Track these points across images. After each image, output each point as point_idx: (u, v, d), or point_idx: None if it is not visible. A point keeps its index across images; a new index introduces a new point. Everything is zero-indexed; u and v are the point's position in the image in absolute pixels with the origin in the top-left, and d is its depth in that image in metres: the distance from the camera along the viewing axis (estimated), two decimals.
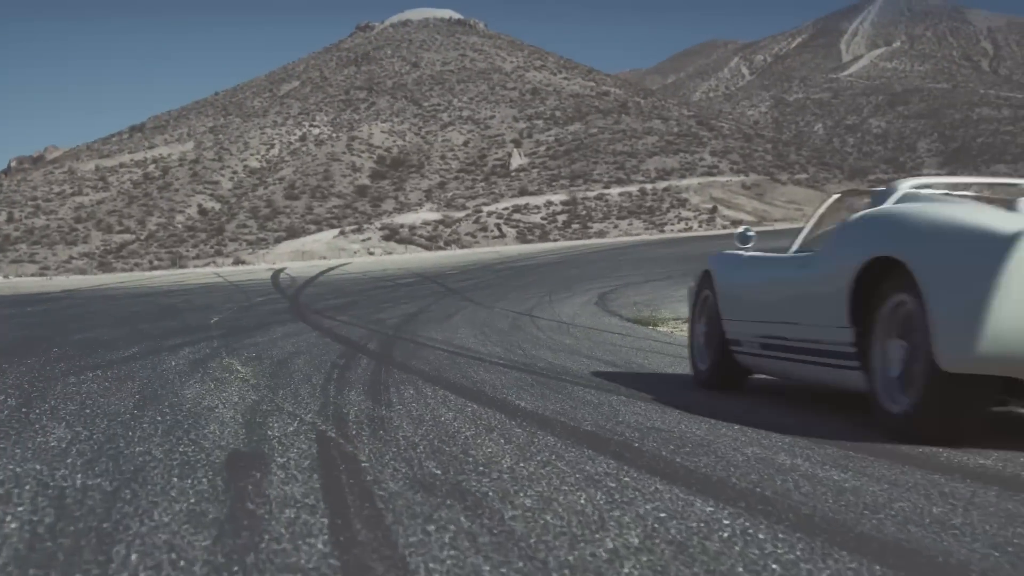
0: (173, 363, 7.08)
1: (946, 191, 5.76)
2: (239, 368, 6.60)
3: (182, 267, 50.24)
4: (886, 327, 4.28)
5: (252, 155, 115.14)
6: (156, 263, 72.27)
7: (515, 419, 4.28)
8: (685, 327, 13.40)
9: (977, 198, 5.84)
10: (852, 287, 4.39)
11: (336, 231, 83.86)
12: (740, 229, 6.94)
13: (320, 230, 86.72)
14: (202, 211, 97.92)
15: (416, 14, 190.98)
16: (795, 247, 6.19)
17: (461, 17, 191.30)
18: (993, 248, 3.65)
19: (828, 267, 4.92)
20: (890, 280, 4.20)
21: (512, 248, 48.29)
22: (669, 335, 12.00)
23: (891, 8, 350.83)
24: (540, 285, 22.40)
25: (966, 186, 6.18)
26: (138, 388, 5.38)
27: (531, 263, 32.66)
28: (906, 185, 5.61)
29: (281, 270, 31.07)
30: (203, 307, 16.76)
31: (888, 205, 5.21)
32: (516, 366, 7.47)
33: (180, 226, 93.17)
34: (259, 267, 35.22)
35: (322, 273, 28.75)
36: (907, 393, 4.06)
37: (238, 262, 54.76)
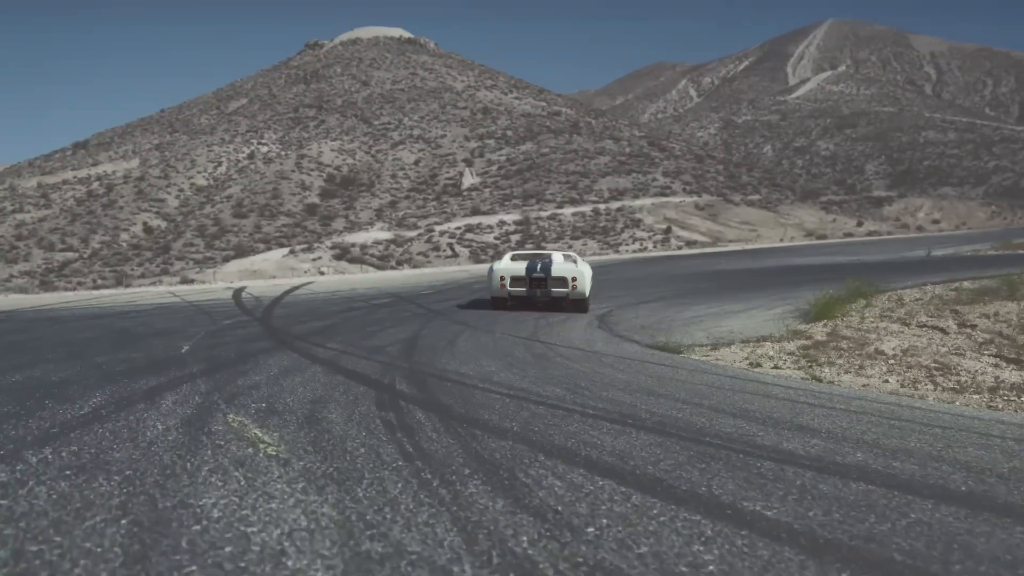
0: (159, 426, 5.88)
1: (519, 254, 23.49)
2: (259, 435, 5.48)
3: (127, 286, 48.50)
4: None
5: (199, 173, 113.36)
6: (100, 282, 70.30)
7: (795, 550, 3.28)
8: (715, 354, 12.49)
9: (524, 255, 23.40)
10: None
11: (286, 250, 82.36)
12: None
13: (269, 249, 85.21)
14: (147, 229, 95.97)
15: (366, 32, 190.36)
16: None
17: (411, 36, 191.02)
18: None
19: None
20: None
21: (483, 267, 47.01)
22: (719, 364, 11.37)
23: (836, 32, 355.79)
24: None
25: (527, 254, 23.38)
26: (119, 498, 3.96)
27: None
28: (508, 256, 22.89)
29: (242, 289, 29.56)
30: (165, 332, 15.28)
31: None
32: (622, 419, 6.59)
33: (125, 244, 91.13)
34: (216, 286, 33.48)
35: (287, 293, 27.31)
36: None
37: (185, 281, 53.13)
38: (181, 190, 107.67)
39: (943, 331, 15.88)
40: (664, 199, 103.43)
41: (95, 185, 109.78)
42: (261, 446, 5.21)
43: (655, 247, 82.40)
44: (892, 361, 12.24)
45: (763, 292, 24.77)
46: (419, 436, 5.55)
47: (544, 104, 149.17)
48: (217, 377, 8.95)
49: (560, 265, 21.79)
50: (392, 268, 65.66)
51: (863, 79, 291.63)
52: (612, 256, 63.36)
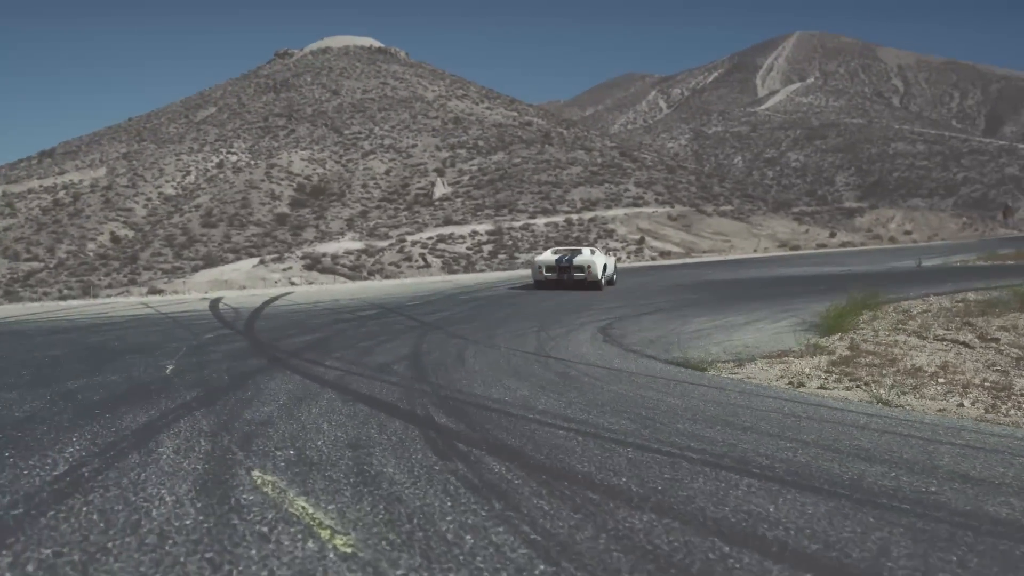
0: (166, 498, 4.84)
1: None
2: (308, 510, 4.60)
3: (94, 296, 47.24)
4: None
5: (167, 182, 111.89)
6: (66, 292, 68.86)
7: None
8: (743, 371, 11.55)
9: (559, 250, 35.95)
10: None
11: (256, 260, 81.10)
12: None
13: (239, 259, 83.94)
14: (115, 239, 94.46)
15: (336, 42, 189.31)
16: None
17: (382, 45, 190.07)
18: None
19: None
20: None
21: (467, 277, 46.10)
22: (760, 384, 10.79)
23: (804, 45, 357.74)
24: (521, 318, 20.52)
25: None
26: None
27: (494, 292, 30.73)
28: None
29: (219, 299, 28.29)
30: (143, 347, 14.26)
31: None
32: (742, 467, 6.01)
33: (92, 254, 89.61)
34: (191, 296, 32.11)
35: (267, 304, 26.10)
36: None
37: (154, 291, 51.89)
38: (149, 199, 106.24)
39: (967, 345, 15.08)
40: (637, 209, 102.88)
41: (61, 194, 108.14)
42: (322, 533, 4.15)
43: (629, 257, 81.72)
44: (941, 380, 11.37)
45: (762, 303, 23.94)
46: (524, 505, 4.63)
47: (515, 114, 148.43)
48: (218, 408, 8.10)
49: (580, 257, 33.54)
50: (364, 278, 64.53)
51: (832, 91, 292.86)
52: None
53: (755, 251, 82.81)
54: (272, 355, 12.90)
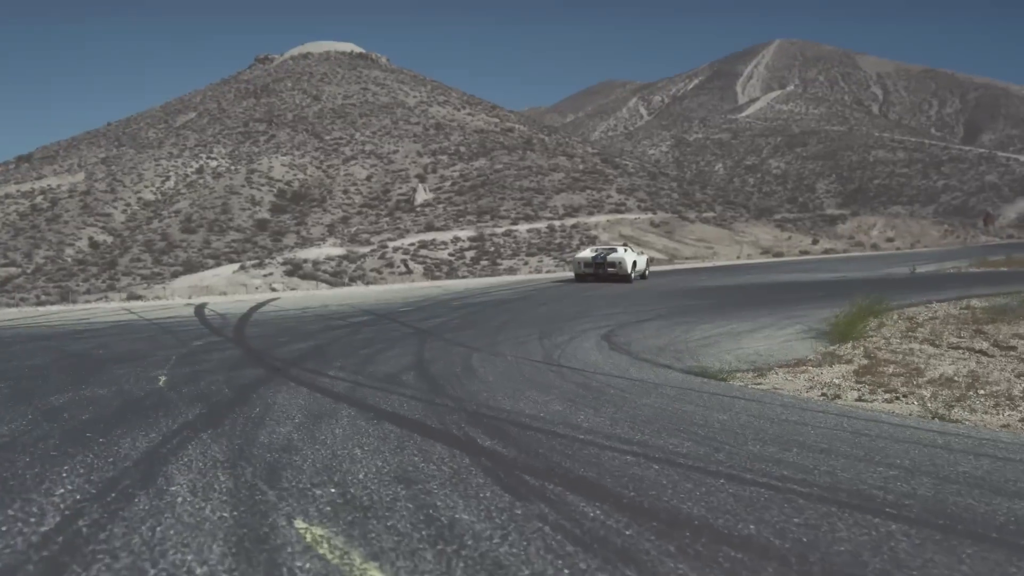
0: (195, 569, 3.96)
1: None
2: None
3: (73, 302, 46.45)
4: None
5: (146, 187, 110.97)
6: (44, 298, 68.02)
7: None
8: (765, 381, 10.97)
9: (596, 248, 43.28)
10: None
11: (236, 266, 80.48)
12: None
13: (219, 264, 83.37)
14: (93, 244, 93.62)
15: (316, 47, 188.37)
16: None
17: (363, 51, 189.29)
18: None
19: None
20: None
21: (457, 283, 45.39)
22: (797, 396, 10.27)
23: (784, 53, 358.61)
24: (519, 325, 20.00)
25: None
26: None
27: (485, 298, 30.03)
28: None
29: (203, 305, 27.51)
30: (130, 356, 13.49)
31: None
32: (872, 506, 5.33)
33: (70, 259, 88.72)
34: (175, 301, 31.23)
35: (254, 309, 25.33)
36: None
37: (133, 297, 51.17)
38: (128, 204, 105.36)
39: (984, 354, 14.60)
40: (619, 216, 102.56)
41: (39, 199, 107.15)
42: None
43: None
44: (981, 392, 10.83)
45: (762, 310, 23.41)
46: (662, 573, 3.85)
47: (497, 120, 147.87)
48: (227, 429, 7.42)
49: (613, 255, 40.23)
50: (345, 284, 63.96)
51: (812, 99, 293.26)
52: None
53: (738, 258, 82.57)
54: (270, 364, 12.29)
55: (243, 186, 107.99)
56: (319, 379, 10.92)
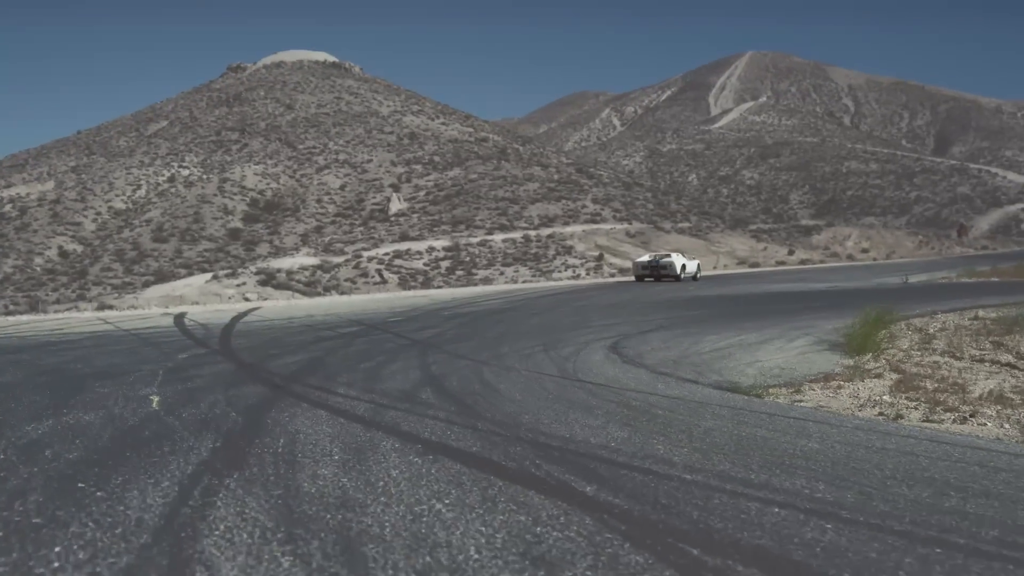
0: None
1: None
2: None
3: (43, 312, 45.47)
4: None
5: (117, 196, 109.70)
6: (12, 307, 66.86)
7: None
8: (803, 398, 10.20)
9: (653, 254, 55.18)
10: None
11: (209, 275, 79.40)
12: None
13: (191, 274, 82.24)
14: (63, 253, 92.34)
15: (289, 56, 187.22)
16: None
17: (336, 60, 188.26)
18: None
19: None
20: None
21: (443, 292, 44.53)
22: (859, 417, 9.42)
23: (756, 64, 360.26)
24: (518, 336, 19.23)
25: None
26: None
27: (474, 308, 29.24)
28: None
29: (183, 315, 26.46)
30: (113, 372, 12.44)
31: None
32: None
33: (39, 269, 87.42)
34: (152, 311, 29.98)
35: (236, 319, 24.36)
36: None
37: (103, 307, 50.12)
38: (99, 213, 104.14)
39: (1014, 367, 13.94)
40: (595, 226, 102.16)
41: (7, 208, 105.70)
42: None
43: (588, 274, 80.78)
44: None
45: (765, 320, 22.74)
46: None
47: (471, 130, 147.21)
48: (257, 472, 6.35)
49: (665, 259, 49.91)
50: (319, 294, 63.09)
51: (784, 110, 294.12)
52: (568, 282, 60.83)
53: (715, 268, 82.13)
54: (268, 380, 11.44)
55: (215, 195, 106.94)
56: (331, 398, 10.06)
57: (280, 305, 32.90)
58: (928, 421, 9.32)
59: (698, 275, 53.89)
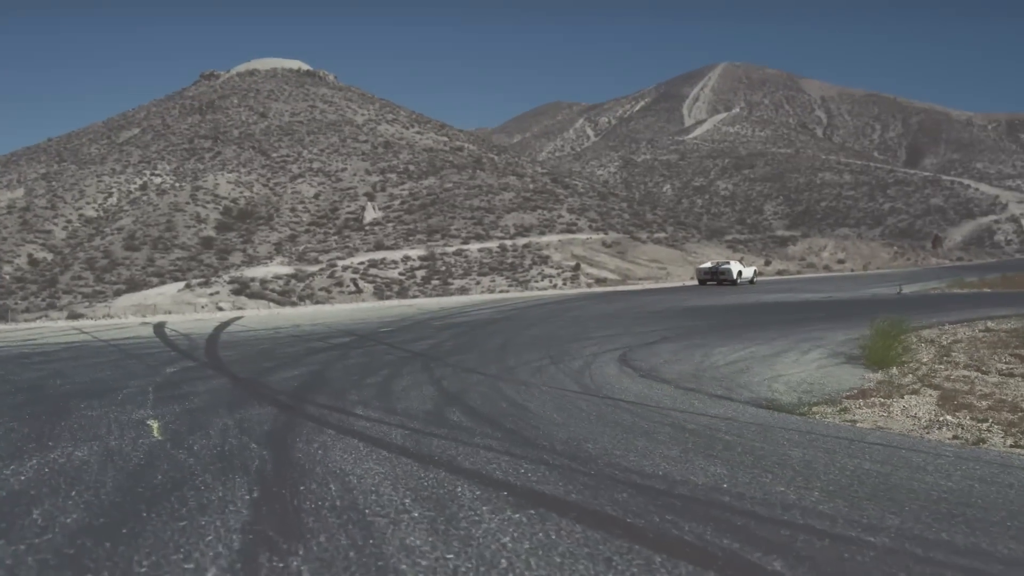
0: None
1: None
2: None
3: (14, 321, 44.34)
4: None
5: (88, 204, 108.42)
6: None
7: None
8: (851, 417, 9.55)
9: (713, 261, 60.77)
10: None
11: (182, 284, 78.37)
12: None
13: (163, 283, 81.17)
14: (33, 261, 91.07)
15: (263, 64, 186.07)
16: None
17: (310, 68, 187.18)
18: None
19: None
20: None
21: (428, 301, 43.60)
22: (938, 442, 8.77)
23: (729, 75, 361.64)
24: (520, 347, 18.52)
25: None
26: None
27: (465, 319, 28.41)
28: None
29: (162, 324, 25.43)
30: (98, 389, 11.30)
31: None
32: None
33: (8, 277, 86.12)
34: (129, 320, 28.72)
35: (220, 329, 23.33)
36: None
37: (73, 315, 49.07)
38: (69, 221, 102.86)
39: None
40: (571, 236, 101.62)
41: None
42: None
43: (565, 284, 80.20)
44: None
45: (770, 331, 22.07)
46: None
47: (446, 139, 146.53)
48: (326, 544, 5.10)
49: (724, 266, 55.66)
50: (294, 304, 62.12)
51: (757, 121, 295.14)
52: (554, 292, 59.73)
53: (692, 278, 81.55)
54: (272, 399, 10.51)
55: (188, 203, 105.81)
56: (353, 422, 9.18)
57: (262, 315, 31.92)
58: (1017, 447, 8.50)
59: (754, 279, 61.69)
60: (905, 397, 11.49)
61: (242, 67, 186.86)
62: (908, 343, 17.70)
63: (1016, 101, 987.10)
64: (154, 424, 8.97)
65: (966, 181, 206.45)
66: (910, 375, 13.71)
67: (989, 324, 22.10)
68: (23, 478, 6.60)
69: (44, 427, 8.81)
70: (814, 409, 10.52)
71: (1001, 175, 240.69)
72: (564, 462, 7.47)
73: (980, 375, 13.78)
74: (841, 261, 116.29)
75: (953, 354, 16.38)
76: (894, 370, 14.25)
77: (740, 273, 57.46)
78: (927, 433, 9.18)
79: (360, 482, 6.66)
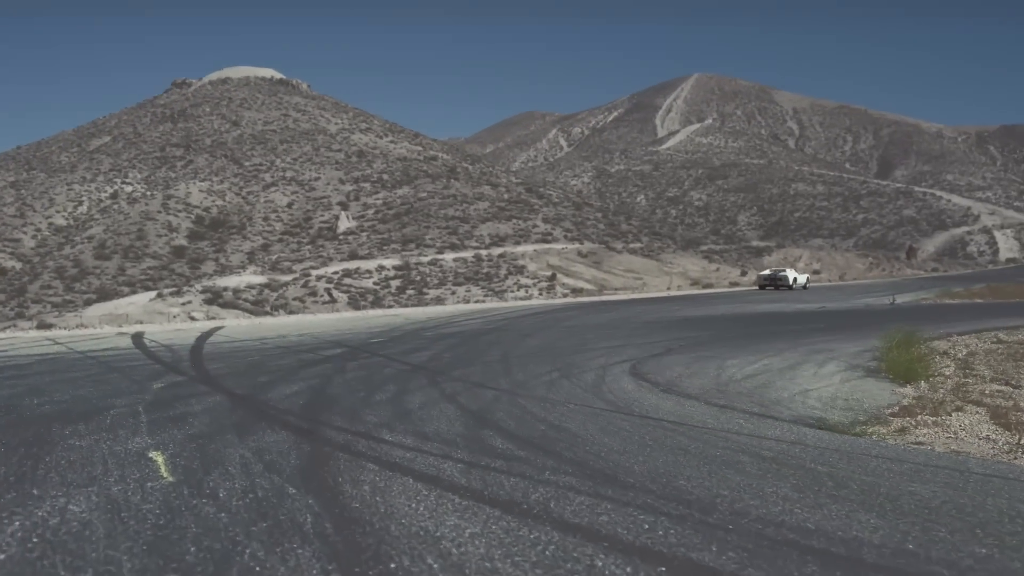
0: None
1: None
2: None
3: None
4: None
5: (58, 212, 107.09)
6: None
7: None
8: (911, 439, 8.81)
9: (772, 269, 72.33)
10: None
11: (153, 293, 77.27)
12: None
13: (135, 292, 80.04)
14: (1, 271, 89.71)
15: (236, 72, 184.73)
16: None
17: (283, 77, 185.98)
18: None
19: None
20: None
21: (415, 311, 42.56)
22: None
23: (702, 87, 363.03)
24: (525, 359, 17.66)
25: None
26: None
27: (456, 329, 27.49)
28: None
29: (141, 334, 24.30)
30: (83, 411, 10.02)
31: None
32: None
33: None
34: (104, 330, 27.30)
35: (202, 340, 22.20)
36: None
37: (42, 325, 48.03)
38: (39, 230, 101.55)
39: None
40: (546, 246, 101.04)
41: None
42: None
43: (541, 294, 79.48)
44: None
45: (777, 343, 21.38)
46: None
47: (420, 148, 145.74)
48: None
49: (780, 273, 65.84)
50: (267, 313, 61.18)
51: (730, 132, 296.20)
52: (540, 302, 58.58)
53: (668, 288, 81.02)
54: (281, 419, 9.32)
55: (159, 212, 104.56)
56: (390, 451, 8.10)
57: (244, 324, 30.88)
58: None
59: (807, 285, 70.77)
60: (953, 415, 10.79)
61: (214, 75, 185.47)
62: (924, 355, 17.05)
63: (985, 114, 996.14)
64: (159, 458, 7.71)
65: (938, 192, 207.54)
66: (941, 389, 13.03)
67: (1000, 336, 21.50)
68: (2, 556, 5.08)
69: (25, 465, 7.48)
70: (870, 430, 9.75)
71: (971, 187, 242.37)
72: (682, 511, 6.39)
73: (1012, 389, 13.13)
74: (816, 272, 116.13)
75: (975, 367, 15.75)
76: (923, 384, 13.59)
77: (795, 279, 67.08)
78: (1008, 457, 8.41)
79: (461, 553, 5.35)
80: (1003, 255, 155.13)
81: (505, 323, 30.16)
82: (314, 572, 4.93)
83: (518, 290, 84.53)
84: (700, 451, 8.26)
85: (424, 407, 10.58)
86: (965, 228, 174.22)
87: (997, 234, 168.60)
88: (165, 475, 7.03)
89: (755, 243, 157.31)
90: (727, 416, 10.53)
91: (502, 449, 8.42)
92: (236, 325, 30.12)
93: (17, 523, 5.68)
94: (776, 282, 65.60)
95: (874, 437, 9.31)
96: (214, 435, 8.81)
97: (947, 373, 15.02)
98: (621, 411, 10.62)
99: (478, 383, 13.15)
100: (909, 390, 13.09)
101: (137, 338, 22.36)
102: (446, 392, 12.02)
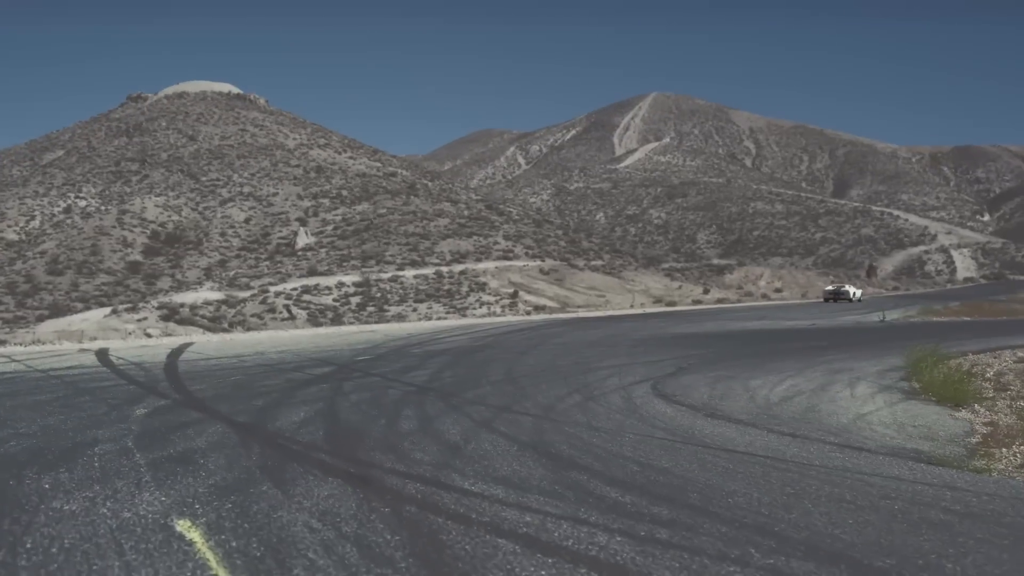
0: None
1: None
2: None
3: None
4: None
5: (9, 227, 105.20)
6: None
7: None
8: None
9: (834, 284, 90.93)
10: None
11: (108, 309, 75.66)
12: None
13: (88, 308, 78.33)
14: None
15: (192, 86, 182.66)
16: None
17: (240, 92, 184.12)
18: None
19: None
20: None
21: (395, 327, 40.90)
22: None
23: (660, 105, 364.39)
24: (531, 378, 16.58)
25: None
26: None
27: (442, 346, 26.16)
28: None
29: (105, 351, 22.51)
30: (55, 446, 8.08)
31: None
32: None
33: None
34: (64, 347, 25.39)
35: (174, 356, 20.38)
36: None
37: None
38: None
39: None
40: (508, 263, 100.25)
41: None
42: None
43: (503, 311, 78.53)
44: None
45: (787, 361, 20.43)
46: None
47: (379, 164, 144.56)
48: None
49: (842, 288, 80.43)
50: (224, 330, 59.61)
51: (688, 151, 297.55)
52: (519, 318, 57.09)
53: (631, 306, 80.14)
54: (314, 459, 7.76)
55: (114, 227, 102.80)
56: (478, 505, 6.38)
57: (215, 341, 29.23)
58: None
59: (861, 298, 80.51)
60: None
61: (170, 89, 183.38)
62: (963, 376, 15.99)
63: (938, 135, 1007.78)
64: (193, 534, 5.42)
65: (895, 212, 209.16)
66: (1003, 414, 11.94)
67: (1020, 354, 20.50)
68: None
69: None
70: (980, 464, 8.54)
71: (926, 206, 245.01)
72: None
73: None
74: (778, 290, 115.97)
75: (1011, 387, 14.75)
76: (978, 408, 12.49)
77: (854, 294, 78.85)
78: None
79: None
80: (960, 274, 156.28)
81: (492, 340, 28.82)
82: None
83: (480, 307, 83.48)
84: (816, 491, 6.81)
85: (468, 440, 9.07)
86: (923, 247, 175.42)
87: (955, 253, 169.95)
88: (217, 571, 4.77)
89: (715, 261, 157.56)
90: (815, 448, 9.30)
91: (613, 500, 6.73)
92: (206, 341, 28.49)
93: None
94: (839, 296, 77.65)
95: (995, 475, 8.11)
96: (245, 486, 6.87)
97: (987, 395, 13.93)
98: (691, 442, 9.38)
99: (502, 407, 11.80)
100: (968, 414, 12.03)
101: (102, 355, 20.59)
102: (475, 419, 10.64)
